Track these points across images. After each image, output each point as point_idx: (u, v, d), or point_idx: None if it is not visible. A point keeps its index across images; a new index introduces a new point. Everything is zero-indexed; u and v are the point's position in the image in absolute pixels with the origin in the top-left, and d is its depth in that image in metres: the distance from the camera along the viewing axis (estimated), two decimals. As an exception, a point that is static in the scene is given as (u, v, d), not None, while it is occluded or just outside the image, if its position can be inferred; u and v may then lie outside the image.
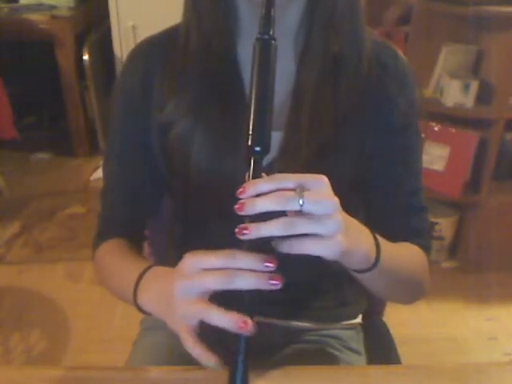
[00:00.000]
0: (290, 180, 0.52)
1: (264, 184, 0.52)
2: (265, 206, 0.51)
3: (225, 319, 0.53)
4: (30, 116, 3.19)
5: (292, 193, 0.51)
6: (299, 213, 0.51)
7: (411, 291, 0.80)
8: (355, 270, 0.63)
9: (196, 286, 0.54)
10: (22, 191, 2.70)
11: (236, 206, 0.51)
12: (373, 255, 0.61)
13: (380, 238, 0.64)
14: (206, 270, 0.53)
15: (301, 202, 0.50)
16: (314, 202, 0.51)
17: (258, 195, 0.51)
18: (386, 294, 0.80)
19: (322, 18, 0.72)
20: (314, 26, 0.73)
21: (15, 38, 2.70)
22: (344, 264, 0.60)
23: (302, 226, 0.51)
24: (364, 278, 0.66)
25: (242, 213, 0.51)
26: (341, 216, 0.53)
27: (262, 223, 0.51)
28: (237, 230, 0.51)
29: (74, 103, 2.89)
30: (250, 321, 0.52)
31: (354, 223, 0.59)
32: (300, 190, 0.51)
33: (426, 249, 0.80)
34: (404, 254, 0.76)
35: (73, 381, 0.68)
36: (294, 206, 0.50)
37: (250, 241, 0.52)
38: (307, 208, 0.50)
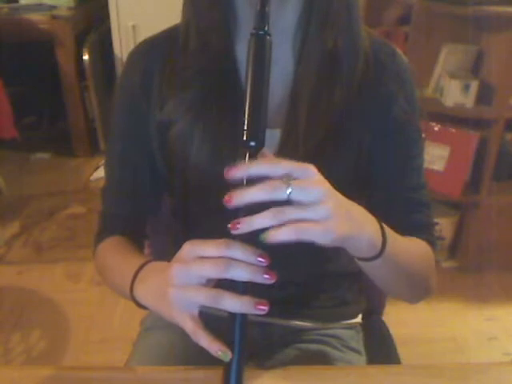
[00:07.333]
0: (278, 167, 0.52)
1: (253, 168, 0.52)
2: (252, 196, 0.51)
3: (237, 302, 0.52)
4: (29, 116, 3.19)
5: (279, 181, 0.51)
6: (288, 202, 0.51)
7: (418, 286, 0.79)
8: (361, 258, 0.63)
9: (192, 271, 0.54)
10: (21, 191, 2.69)
11: (225, 199, 0.51)
12: (378, 242, 0.61)
13: (386, 227, 0.63)
14: (203, 258, 0.54)
15: (288, 190, 0.50)
16: (301, 189, 0.51)
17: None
18: (392, 287, 0.78)
19: (319, 15, 0.72)
20: (311, 24, 0.73)
21: (15, 38, 2.70)
22: (349, 251, 0.60)
23: (292, 213, 0.51)
24: (370, 268, 0.66)
25: (231, 205, 0.51)
26: (332, 202, 0.53)
27: (252, 216, 0.51)
28: (230, 225, 0.51)
29: (74, 103, 2.89)
30: (266, 301, 0.52)
31: (357, 208, 0.59)
32: (287, 178, 0.51)
33: (431, 244, 0.80)
34: (411, 246, 0.75)
35: (73, 381, 0.68)
36: (281, 195, 0.51)
37: (246, 238, 0.52)
38: (295, 196, 0.51)
